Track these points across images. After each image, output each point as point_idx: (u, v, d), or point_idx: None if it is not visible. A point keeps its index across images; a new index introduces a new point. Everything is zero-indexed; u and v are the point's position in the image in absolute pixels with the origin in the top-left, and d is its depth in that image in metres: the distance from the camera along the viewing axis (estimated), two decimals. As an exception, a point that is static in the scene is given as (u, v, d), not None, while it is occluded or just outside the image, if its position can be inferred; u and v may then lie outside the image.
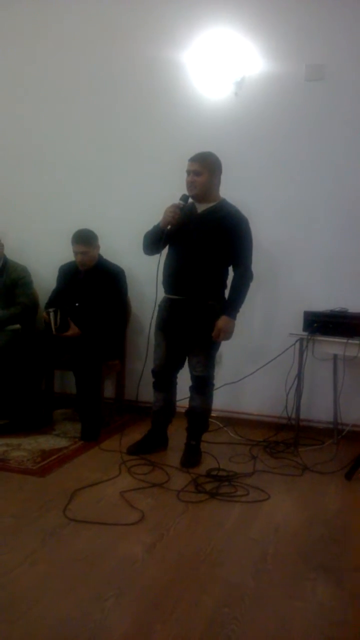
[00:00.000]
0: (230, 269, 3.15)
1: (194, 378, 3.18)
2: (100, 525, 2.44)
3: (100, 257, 3.79)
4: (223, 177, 3.39)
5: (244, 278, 3.06)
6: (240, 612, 1.89)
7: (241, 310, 3.18)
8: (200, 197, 3.05)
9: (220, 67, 3.76)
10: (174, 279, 3.10)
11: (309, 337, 3.36)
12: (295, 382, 3.51)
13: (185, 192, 3.04)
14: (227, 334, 3.05)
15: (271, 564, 2.20)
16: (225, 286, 3.14)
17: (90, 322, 3.64)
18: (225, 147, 3.80)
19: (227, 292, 3.14)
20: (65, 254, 3.89)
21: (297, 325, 3.47)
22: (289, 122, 3.72)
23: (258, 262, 3.80)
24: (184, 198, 3.02)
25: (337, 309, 3.49)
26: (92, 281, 3.74)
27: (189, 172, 3.03)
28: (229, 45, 3.73)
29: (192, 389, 3.21)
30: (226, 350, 3.91)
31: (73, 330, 3.59)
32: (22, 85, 4.31)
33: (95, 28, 4.07)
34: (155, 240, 3.05)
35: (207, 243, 3.01)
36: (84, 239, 3.68)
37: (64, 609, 1.88)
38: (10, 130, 4.36)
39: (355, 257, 3.64)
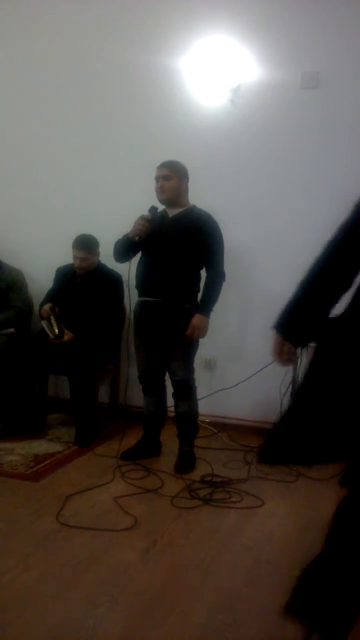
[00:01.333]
0: (203, 272, 3.19)
1: (175, 383, 3.19)
2: (94, 530, 2.43)
3: (98, 262, 3.78)
4: (219, 182, 3.41)
5: (216, 278, 3.12)
6: (234, 618, 1.88)
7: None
8: (171, 201, 3.12)
9: (217, 74, 3.77)
10: (148, 281, 3.14)
11: (303, 343, 3.36)
12: (290, 387, 3.51)
13: (155, 201, 3.12)
14: (202, 331, 3.09)
15: (265, 570, 2.20)
16: (198, 289, 3.19)
17: (85, 326, 3.63)
18: (221, 154, 3.83)
19: (200, 296, 3.18)
20: (61, 258, 3.88)
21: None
22: (284, 129, 3.73)
23: (246, 266, 3.83)
24: (152, 210, 3.09)
25: (330, 315, 3.49)
26: (89, 286, 3.74)
27: (157, 178, 3.11)
28: (225, 53, 3.74)
29: (175, 395, 3.22)
30: (218, 355, 3.92)
31: (68, 335, 3.58)
32: (18, 90, 4.32)
33: (91, 34, 4.08)
34: (125, 249, 3.15)
35: (179, 245, 3.08)
36: (86, 245, 3.68)
37: (56, 615, 1.87)
38: (6, 135, 4.36)
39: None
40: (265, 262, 3.82)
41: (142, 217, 3.06)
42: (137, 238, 3.06)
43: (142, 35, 3.95)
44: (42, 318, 3.66)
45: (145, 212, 3.08)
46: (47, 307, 3.63)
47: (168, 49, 3.89)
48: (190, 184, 3.22)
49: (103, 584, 2.06)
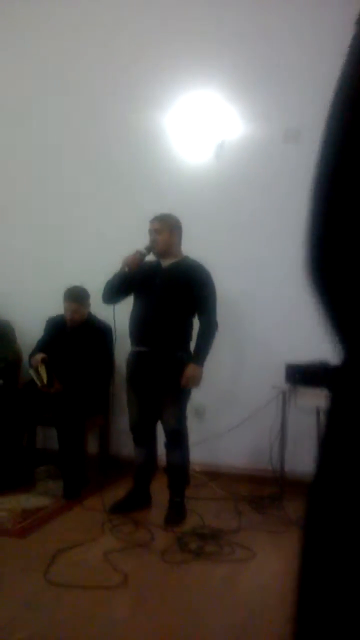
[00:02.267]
0: (196, 321, 3.23)
1: (168, 433, 3.19)
2: (83, 589, 2.37)
3: (89, 314, 3.82)
4: (201, 235, 3.50)
5: (209, 327, 3.15)
6: None
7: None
8: (163, 253, 3.20)
9: (201, 130, 3.91)
10: (140, 331, 3.18)
11: (291, 389, 3.39)
12: (279, 434, 3.51)
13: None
14: (196, 381, 3.11)
15: (257, 626, 2.15)
16: (191, 338, 3.22)
17: (75, 377, 3.63)
18: (208, 207, 3.93)
19: (193, 345, 3.20)
20: (52, 310, 3.91)
21: (277, 377, 3.50)
22: (268, 183, 3.85)
23: (237, 315, 3.88)
24: (148, 248, 3.17)
25: (318, 361, 3.53)
26: (79, 337, 3.76)
27: (150, 231, 3.20)
28: (209, 109, 3.89)
29: (167, 444, 3.21)
30: (208, 403, 3.92)
31: (57, 386, 3.58)
32: (5, 137, 4.40)
33: (76, 86, 4.22)
34: (115, 286, 3.18)
35: (171, 295, 3.13)
36: (77, 297, 3.72)
37: None
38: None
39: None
40: (256, 311, 3.87)
41: (136, 251, 3.12)
42: (127, 269, 3.10)
43: (126, 91, 4.08)
44: (31, 367, 3.66)
45: (141, 248, 3.15)
46: (39, 357, 3.64)
47: (152, 105, 4.02)
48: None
49: (92, 645, 2.00)
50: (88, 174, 4.23)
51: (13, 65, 4.40)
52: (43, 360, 3.61)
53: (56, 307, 3.85)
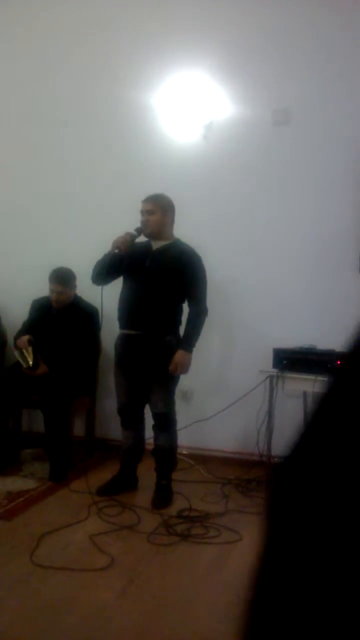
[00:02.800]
0: (185, 306, 3.21)
1: (156, 416, 3.18)
2: (69, 571, 2.37)
3: (75, 295, 3.78)
4: (189, 218, 3.45)
5: (198, 313, 3.13)
6: (213, 660, 1.85)
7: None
8: (154, 235, 3.15)
9: (190, 111, 3.86)
10: (130, 314, 3.15)
11: (279, 374, 3.39)
12: (266, 418, 3.52)
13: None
14: (184, 367, 3.09)
15: (243, 608, 2.16)
16: (180, 322, 3.20)
17: (61, 359, 3.60)
18: (193, 189, 3.90)
19: (182, 329, 3.19)
20: (37, 289, 3.87)
21: (265, 362, 3.50)
22: (256, 165, 3.82)
23: (226, 299, 3.87)
24: (138, 230, 3.12)
25: (305, 346, 3.54)
26: (65, 319, 3.72)
27: (142, 212, 3.15)
28: (197, 89, 3.84)
29: (155, 427, 3.20)
30: (195, 387, 3.92)
31: (42, 368, 3.55)
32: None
33: (62, 69, 4.16)
34: (104, 267, 3.11)
35: (162, 279, 3.09)
36: (62, 279, 3.67)
37: (30, 663, 1.81)
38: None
39: (321, 296, 3.71)
40: (245, 296, 3.85)
41: (126, 232, 3.07)
42: (117, 250, 3.05)
43: (115, 71, 4.03)
44: (17, 349, 3.62)
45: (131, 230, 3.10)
46: (25, 338, 3.60)
47: (141, 85, 3.97)
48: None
49: (80, 626, 2.00)
50: (76, 154, 4.17)
51: (5, 42, 4.30)
52: (29, 342, 3.57)
53: (42, 288, 3.81)
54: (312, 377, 3.30)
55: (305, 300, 3.74)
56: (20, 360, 3.54)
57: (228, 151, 3.85)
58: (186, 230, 3.61)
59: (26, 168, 4.27)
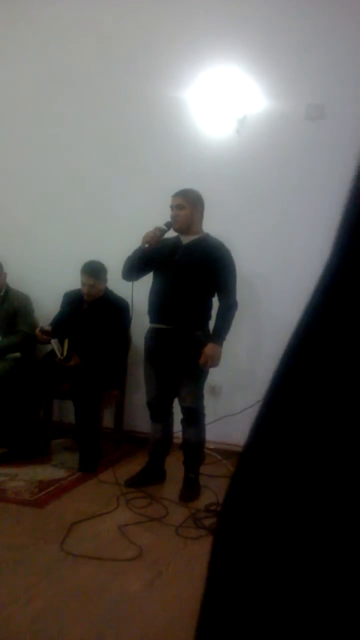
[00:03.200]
0: (215, 300, 3.22)
1: (185, 410, 3.19)
2: (99, 560, 2.41)
3: (105, 288, 3.81)
4: (221, 212, 3.44)
5: (228, 306, 3.13)
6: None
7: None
8: (184, 229, 3.16)
9: (223, 105, 3.85)
10: (160, 308, 3.16)
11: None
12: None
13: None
14: (215, 360, 3.10)
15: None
16: (210, 317, 3.20)
17: (91, 352, 3.64)
18: (229, 183, 3.88)
19: (212, 323, 3.19)
20: (68, 282, 3.91)
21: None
22: (290, 159, 3.79)
23: (256, 294, 3.86)
24: (168, 224, 3.14)
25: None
26: (96, 312, 3.76)
27: (172, 206, 3.16)
28: (231, 84, 3.82)
29: (184, 421, 3.22)
30: (224, 382, 3.92)
31: (75, 360, 3.60)
32: (22, 115, 4.39)
33: (97, 63, 4.17)
34: (134, 263, 3.13)
35: (191, 273, 3.10)
36: (94, 272, 3.71)
37: (61, 648, 1.85)
38: (13, 158, 4.44)
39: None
40: (276, 290, 3.84)
41: (156, 227, 3.10)
42: (147, 245, 3.07)
43: (148, 66, 4.03)
44: (53, 338, 3.64)
45: (161, 225, 3.12)
46: (40, 329, 3.64)
47: (174, 80, 3.97)
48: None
49: (109, 615, 2.04)
50: (108, 150, 4.19)
51: (32, 37, 4.35)
52: (46, 332, 3.63)
53: (73, 281, 3.85)
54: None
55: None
56: (56, 349, 3.59)
57: (261, 145, 3.82)
58: (218, 224, 3.61)
59: (60, 162, 4.31)
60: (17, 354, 3.91)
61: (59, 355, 3.57)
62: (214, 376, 3.79)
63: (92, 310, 3.79)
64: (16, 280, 4.14)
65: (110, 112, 4.17)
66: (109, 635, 1.92)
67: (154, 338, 3.21)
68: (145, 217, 3.90)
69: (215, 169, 3.86)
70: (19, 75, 4.40)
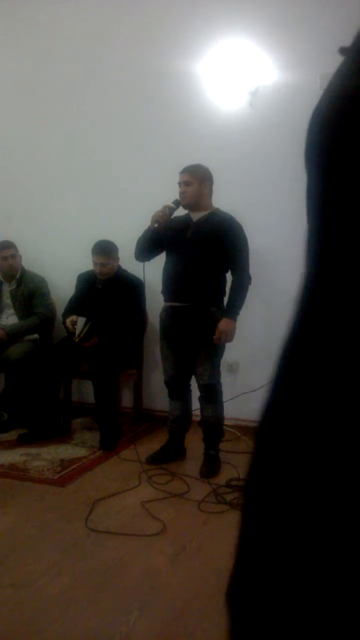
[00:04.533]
0: (229, 275, 3.20)
1: (202, 387, 3.20)
2: (122, 536, 2.44)
3: (119, 267, 3.81)
4: (234, 185, 3.39)
5: (242, 281, 3.12)
6: (266, 624, 1.88)
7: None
8: (193, 206, 3.14)
9: (235, 77, 3.78)
10: (174, 286, 3.16)
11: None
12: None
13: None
14: (229, 335, 3.09)
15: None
16: (224, 293, 3.19)
17: (108, 332, 3.66)
18: (239, 157, 3.84)
19: (226, 299, 3.18)
20: (82, 263, 3.92)
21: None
22: (303, 132, 3.70)
23: (271, 269, 3.83)
24: (176, 202, 3.12)
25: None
26: (111, 292, 3.77)
27: (180, 183, 3.13)
28: (243, 56, 3.75)
29: (202, 398, 3.23)
30: (241, 359, 3.92)
31: (92, 342, 3.61)
32: (33, 95, 4.36)
33: (109, 38, 4.11)
34: (146, 243, 3.14)
35: (204, 249, 3.08)
36: (105, 250, 3.71)
37: (89, 622, 1.88)
38: (23, 141, 4.42)
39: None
40: (290, 264, 3.80)
41: (164, 206, 3.08)
42: (156, 225, 3.06)
43: (160, 39, 3.97)
44: (69, 321, 3.66)
45: (169, 203, 3.11)
46: (71, 319, 3.66)
47: (186, 53, 3.90)
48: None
49: (134, 589, 2.07)
50: (119, 125, 4.15)
51: (47, 12, 4.29)
52: (69, 313, 3.67)
53: (87, 261, 3.85)
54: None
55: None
56: (78, 328, 3.59)
57: (275, 117, 3.76)
58: (231, 197, 3.57)
59: (71, 142, 4.28)
60: (35, 336, 3.94)
61: (77, 334, 3.58)
62: (232, 353, 3.78)
63: (106, 290, 3.79)
64: (30, 262, 4.15)
65: (121, 88, 4.12)
66: (135, 608, 1.95)
67: (169, 316, 3.20)
68: (156, 194, 3.87)
69: (228, 143, 3.81)
70: (25, 49, 4.35)
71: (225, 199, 3.35)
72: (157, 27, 3.97)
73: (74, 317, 3.64)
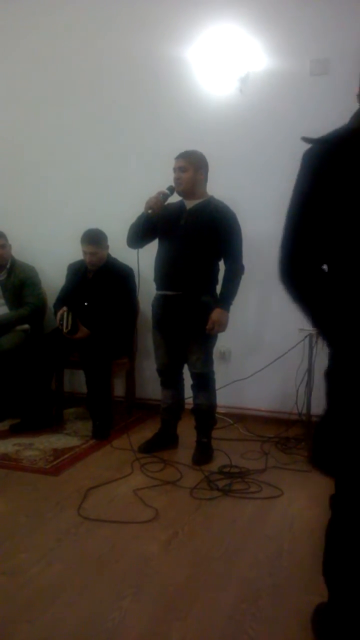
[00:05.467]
0: (222, 264, 3.19)
1: (195, 375, 3.20)
2: (115, 523, 2.45)
3: (109, 256, 3.79)
4: (225, 172, 3.37)
5: (235, 271, 3.11)
6: (258, 608, 1.90)
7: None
8: (187, 193, 3.11)
9: (225, 64, 3.75)
10: (166, 274, 3.14)
11: (318, 332, 3.34)
12: (305, 377, 3.50)
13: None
14: (221, 325, 3.08)
15: (287, 559, 2.21)
16: (217, 281, 3.18)
17: (100, 321, 3.64)
18: (229, 144, 3.81)
19: (219, 288, 3.17)
20: (73, 253, 3.90)
21: (304, 320, 3.45)
22: (294, 117, 3.70)
23: (263, 258, 3.81)
24: (170, 189, 3.09)
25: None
26: (101, 281, 3.75)
27: (174, 169, 3.10)
28: (233, 42, 3.72)
29: (194, 387, 3.23)
30: (234, 347, 3.92)
31: (82, 332, 3.60)
32: (21, 85, 4.32)
33: (96, 24, 4.07)
34: (139, 229, 3.11)
35: (197, 238, 3.06)
36: (93, 239, 3.69)
37: (82, 609, 1.89)
38: (12, 131, 4.37)
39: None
40: (268, 249, 3.78)
41: (159, 192, 3.05)
42: (150, 211, 3.04)
43: (149, 25, 3.92)
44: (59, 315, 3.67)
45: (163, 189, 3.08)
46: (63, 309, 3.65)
47: (175, 39, 3.86)
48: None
49: (127, 576, 2.08)
50: (109, 113, 4.11)
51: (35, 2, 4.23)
52: (59, 304, 3.66)
53: (77, 251, 3.83)
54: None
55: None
56: (64, 322, 3.59)
57: (265, 103, 3.74)
58: (222, 185, 3.54)
59: (60, 129, 4.24)
60: (26, 326, 3.92)
61: (64, 329, 3.57)
62: (224, 341, 3.79)
63: (97, 279, 3.77)
64: (21, 253, 4.12)
65: (110, 75, 4.08)
66: (129, 594, 1.96)
67: (162, 305, 3.19)
68: (148, 181, 3.84)
69: (218, 130, 3.79)
70: (9, 39, 4.30)
71: (216, 187, 3.33)
72: (146, 13, 3.93)
73: (63, 310, 3.63)
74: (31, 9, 4.23)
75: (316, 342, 3.38)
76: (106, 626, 1.80)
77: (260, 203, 3.75)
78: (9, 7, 4.27)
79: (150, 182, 3.74)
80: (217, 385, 3.45)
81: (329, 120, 3.91)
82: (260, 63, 3.72)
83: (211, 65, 3.79)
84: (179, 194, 3.12)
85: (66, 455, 3.21)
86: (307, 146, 1.39)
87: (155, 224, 3.10)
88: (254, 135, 3.77)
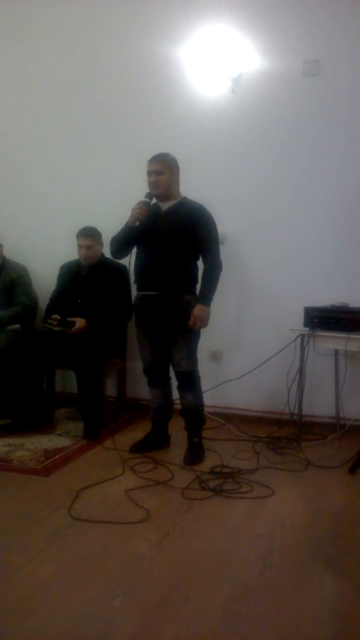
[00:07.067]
0: (200, 263, 3.21)
1: (180, 375, 3.20)
2: (106, 524, 2.44)
3: (102, 254, 3.79)
4: (216, 172, 3.36)
5: (213, 267, 3.14)
6: (249, 608, 1.89)
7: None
8: (164, 195, 3.12)
9: (217, 64, 3.75)
10: (146, 275, 3.16)
11: (310, 332, 3.36)
12: (297, 377, 3.51)
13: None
14: (204, 321, 3.10)
15: (278, 559, 2.21)
16: (197, 280, 3.20)
17: (93, 319, 3.63)
18: (222, 144, 3.82)
19: (199, 287, 3.18)
20: (64, 252, 3.89)
21: (296, 321, 3.47)
22: (285, 118, 3.71)
23: (257, 258, 3.83)
24: (148, 195, 3.09)
25: (337, 304, 3.49)
26: (95, 279, 3.75)
27: (150, 172, 3.10)
28: (225, 42, 3.72)
29: (180, 387, 3.23)
30: (225, 347, 3.92)
31: (80, 322, 3.58)
32: (15, 84, 4.30)
33: (88, 25, 4.06)
34: (124, 240, 3.14)
35: (175, 238, 3.08)
36: (90, 233, 3.73)
37: (72, 609, 1.88)
38: (4, 130, 4.35)
39: (353, 252, 3.65)
40: (277, 254, 3.80)
41: (140, 202, 3.06)
42: (137, 223, 3.05)
43: (142, 25, 3.92)
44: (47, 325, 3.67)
45: (142, 198, 3.08)
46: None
47: (168, 39, 3.86)
48: (188, 174, 3.22)
49: (118, 576, 2.07)
50: (98, 114, 4.10)
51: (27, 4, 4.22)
52: (51, 307, 3.70)
53: (69, 250, 3.82)
54: (344, 335, 3.28)
55: (337, 258, 3.67)
56: (52, 329, 3.59)
57: (257, 104, 3.74)
58: (213, 184, 3.56)
59: (51, 127, 4.22)
60: (17, 326, 3.90)
61: (56, 330, 3.56)
62: (215, 342, 3.80)
63: (91, 277, 3.77)
64: (12, 252, 4.10)
65: (102, 75, 4.07)
66: (119, 594, 1.95)
67: (143, 305, 3.20)
68: (138, 182, 3.83)
69: (209, 130, 3.80)
70: (12, 42, 4.28)
71: (202, 185, 3.34)
72: (139, 13, 3.93)
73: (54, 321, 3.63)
74: (23, 11, 4.21)
75: (307, 342, 3.40)
76: (97, 626, 1.79)
77: (243, 201, 3.78)
78: (3, 8, 4.24)
79: (143, 182, 3.73)
80: (209, 385, 3.46)
81: (320, 120, 3.96)
82: (252, 63, 3.72)
83: (203, 65, 3.79)
84: (156, 197, 3.12)
85: (57, 456, 3.20)
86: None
87: (136, 231, 3.11)
88: (245, 134, 3.78)
